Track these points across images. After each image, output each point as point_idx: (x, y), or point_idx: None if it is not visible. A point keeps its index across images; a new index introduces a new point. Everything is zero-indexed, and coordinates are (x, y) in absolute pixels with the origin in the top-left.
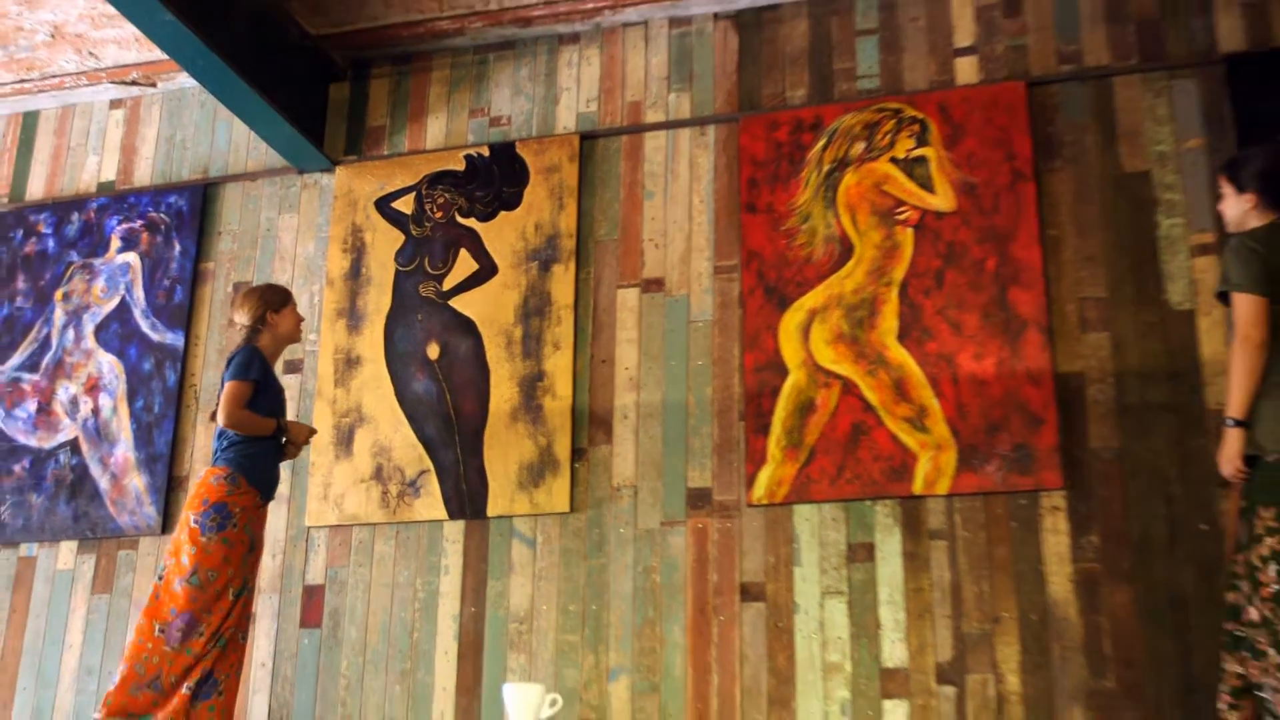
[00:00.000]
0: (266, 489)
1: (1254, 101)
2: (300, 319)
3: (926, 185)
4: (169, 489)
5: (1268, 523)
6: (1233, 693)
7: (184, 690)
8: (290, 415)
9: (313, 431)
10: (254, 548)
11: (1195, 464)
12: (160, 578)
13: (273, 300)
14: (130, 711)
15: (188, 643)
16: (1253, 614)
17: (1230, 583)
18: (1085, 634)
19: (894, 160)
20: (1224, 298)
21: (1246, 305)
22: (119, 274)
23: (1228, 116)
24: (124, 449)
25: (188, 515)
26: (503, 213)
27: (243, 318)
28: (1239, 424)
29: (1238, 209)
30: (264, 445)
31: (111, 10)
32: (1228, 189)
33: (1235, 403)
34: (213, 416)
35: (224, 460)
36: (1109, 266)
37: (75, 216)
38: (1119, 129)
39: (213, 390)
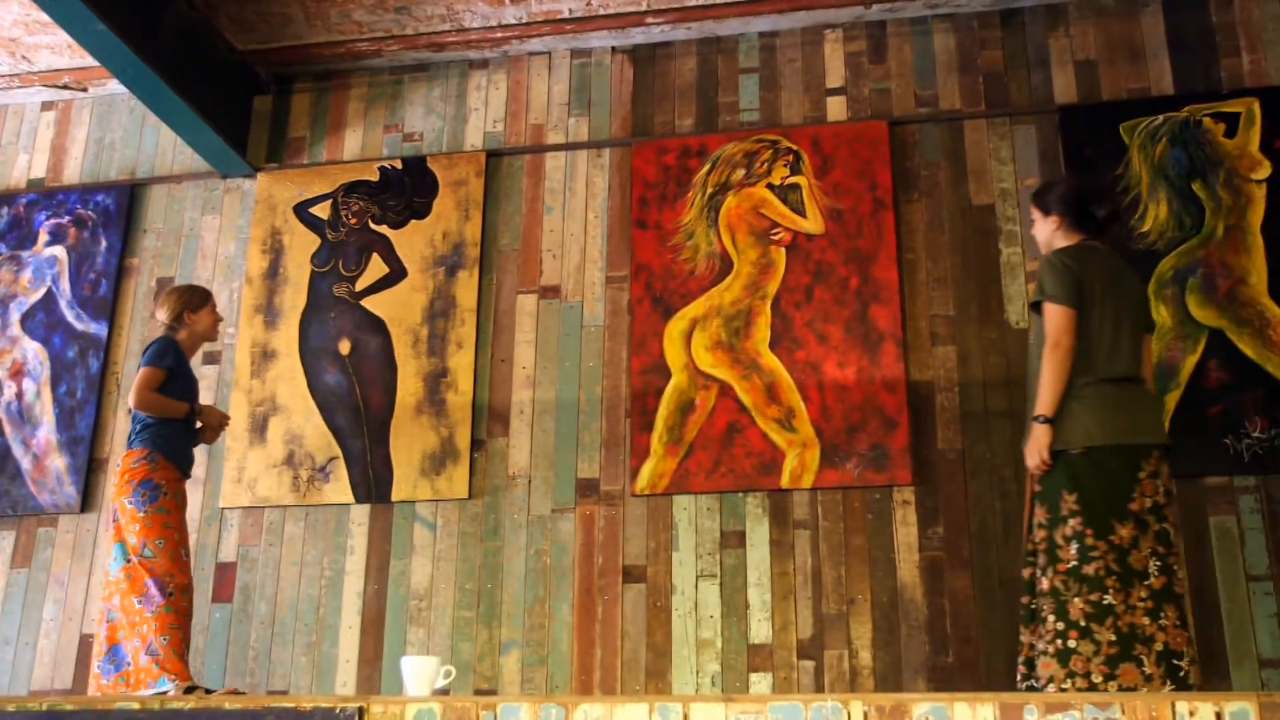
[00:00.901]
0: (182, 464)
1: (1081, 147)
2: (218, 319)
3: (799, 210)
4: (89, 470)
5: (1070, 506)
6: (1025, 663)
7: (182, 657)
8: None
9: (225, 417)
10: (183, 514)
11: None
12: (127, 560)
13: (191, 301)
14: (149, 681)
15: (164, 602)
16: (1044, 584)
17: (1025, 560)
18: (929, 614)
19: (770, 186)
20: (1037, 307)
21: (1058, 315)
22: (46, 266)
23: (1060, 159)
24: (46, 431)
25: (121, 501)
26: (413, 221)
27: (163, 315)
28: (1047, 421)
29: (1045, 231)
30: (176, 425)
31: (45, 17)
32: (1036, 214)
33: (1045, 402)
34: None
35: (140, 442)
36: (957, 288)
37: (5, 210)
38: (968, 166)
39: (133, 378)
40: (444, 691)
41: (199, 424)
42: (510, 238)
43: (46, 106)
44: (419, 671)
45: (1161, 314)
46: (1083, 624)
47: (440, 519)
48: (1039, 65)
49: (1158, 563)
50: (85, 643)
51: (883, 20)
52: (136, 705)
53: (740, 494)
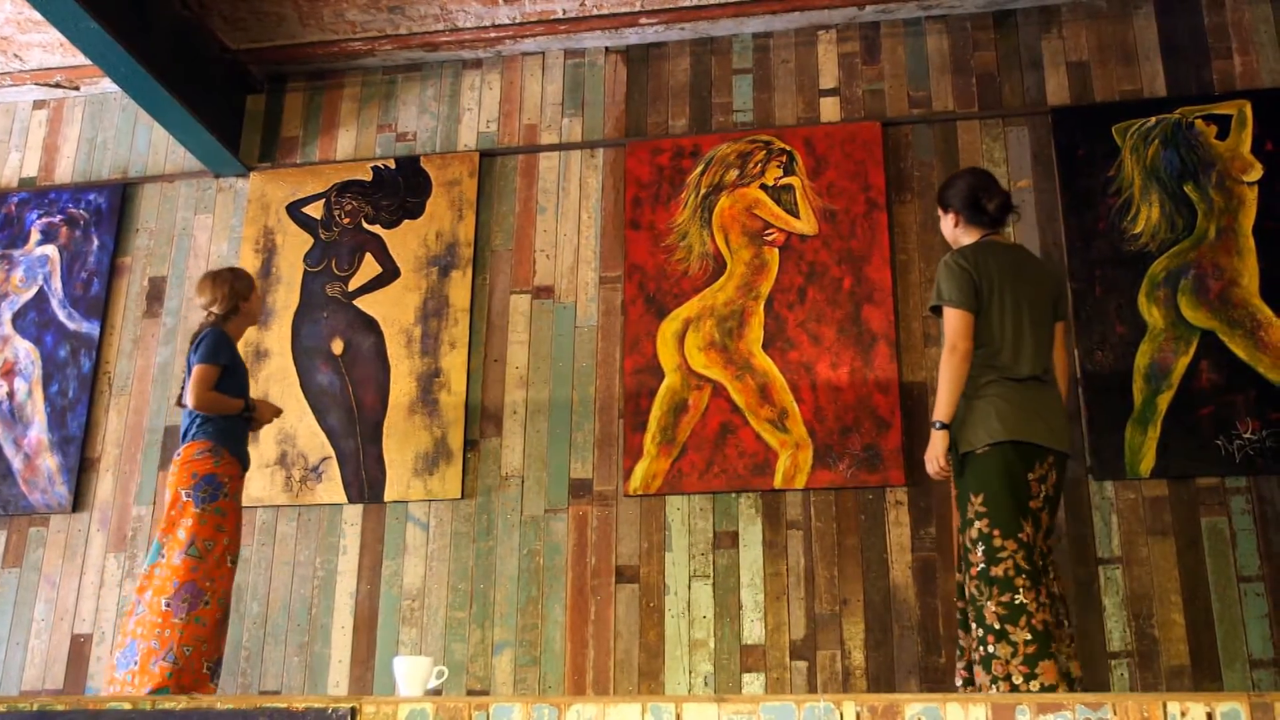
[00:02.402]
0: (245, 460)
1: (1074, 148)
2: (261, 300)
3: (792, 210)
4: (80, 470)
5: (977, 508)
6: (966, 667)
7: (205, 671)
8: None
9: (278, 411)
10: (239, 515)
11: None
12: (161, 555)
13: (243, 290)
14: (150, 687)
15: (195, 611)
16: (967, 590)
17: (958, 566)
18: (922, 615)
19: (763, 187)
20: (937, 310)
21: (955, 319)
22: (38, 265)
23: (1053, 160)
24: (37, 431)
25: (178, 492)
26: (406, 221)
27: (216, 306)
28: (943, 427)
29: (948, 229)
30: (234, 418)
31: (38, 16)
32: (940, 212)
33: (942, 408)
34: (180, 400)
35: (202, 435)
36: None
37: None
38: (961, 167)
39: (127, 377)
40: (436, 692)
41: (260, 418)
42: (503, 238)
43: (38, 105)
44: (411, 672)
45: (1154, 315)
46: (997, 627)
47: (433, 519)
48: (1032, 67)
49: (1042, 561)
50: (76, 643)
51: (876, 21)
52: (128, 705)
53: (733, 494)
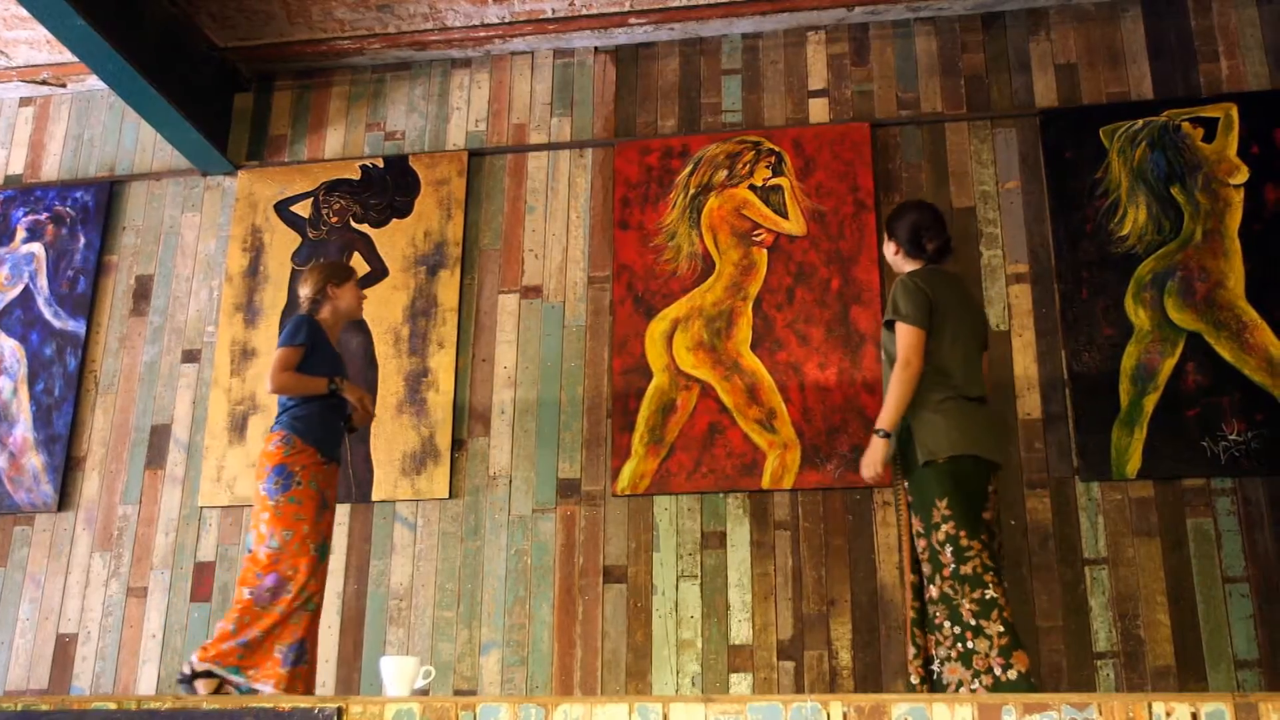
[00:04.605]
0: (324, 446)
1: (1062, 150)
2: (361, 296)
3: (781, 211)
4: (66, 468)
5: (943, 511)
6: (924, 665)
7: (276, 654)
8: (186, 404)
9: (364, 394)
10: (326, 505)
11: (1007, 466)
12: (249, 550)
13: (334, 275)
14: (219, 661)
15: (276, 601)
16: (933, 591)
17: (911, 568)
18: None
19: (752, 187)
20: (890, 326)
21: (909, 335)
22: (23, 263)
23: (1040, 162)
24: (23, 429)
25: (257, 486)
26: (394, 220)
27: (305, 291)
28: (886, 436)
29: (889, 254)
30: (316, 405)
31: (24, 12)
32: (885, 236)
33: (888, 418)
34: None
35: (278, 425)
36: None
37: None
38: (949, 169)
39: (113, 376)
40: (423, 692)
41: (349, 409)
42: (492, 237)
43: (25, 102)
44: (398, 672)
45: (1140, 317)
46: (973, 623)
47: (420, 519)
48: (1020, 69)
49: (998, 562)
50: (61, 642)
51: (865, 23)
52: (113, 705)
53: (721, 495)
